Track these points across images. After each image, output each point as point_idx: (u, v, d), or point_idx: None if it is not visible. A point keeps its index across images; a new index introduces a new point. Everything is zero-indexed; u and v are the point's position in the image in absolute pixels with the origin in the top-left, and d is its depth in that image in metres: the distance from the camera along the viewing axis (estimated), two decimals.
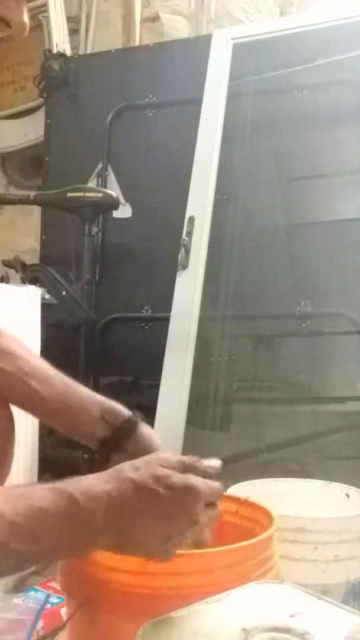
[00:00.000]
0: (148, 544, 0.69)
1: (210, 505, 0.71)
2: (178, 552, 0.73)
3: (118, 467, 0.70)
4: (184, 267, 2.04)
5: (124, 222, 2.57)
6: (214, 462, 0.75)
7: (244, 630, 0.64)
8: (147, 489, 0.67)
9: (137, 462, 0.70)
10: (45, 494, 0.64)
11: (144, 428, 0.90)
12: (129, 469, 0.69)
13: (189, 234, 2.07)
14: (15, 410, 0.90)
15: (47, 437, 1.76)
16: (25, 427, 1.54)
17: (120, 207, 2.49)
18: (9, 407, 0.88)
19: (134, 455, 0.81)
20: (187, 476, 0.70)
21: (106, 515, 0.65)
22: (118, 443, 0.88)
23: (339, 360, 2.21)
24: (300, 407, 2.17)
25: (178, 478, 0.69)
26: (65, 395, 0.89)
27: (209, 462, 0.74)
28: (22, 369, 0.87)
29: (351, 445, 2.04)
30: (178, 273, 2.05)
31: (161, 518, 0.67)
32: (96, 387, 2.41)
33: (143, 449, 0.87)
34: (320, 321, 2.20)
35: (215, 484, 0.72)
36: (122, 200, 2.53)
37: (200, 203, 2.11)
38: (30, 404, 0.88)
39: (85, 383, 2.63)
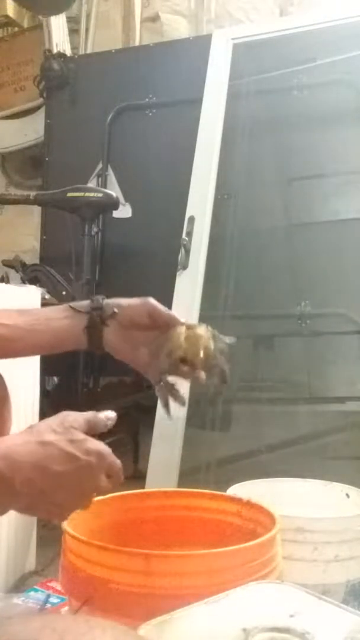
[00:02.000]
0: (60, 505, 0.71)
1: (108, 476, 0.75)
2: (179, 552, 0.73)
3: (36, 429, 0.72)
4: (184, 267, 2.04)
5: (124, 222, 2.57)
6: (110, 413, 0.78)
7: (244, 630, 0.64)
8: (66, 453, 0.69)
9: (52, 423, 0.72)
10: None
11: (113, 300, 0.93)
12: (47, 432, 0.71)
13: (189, 234, 2.07)
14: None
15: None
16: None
17: (120, 207, 2.49)
18: None
19: (126, 327, 0.87)
20: (100, 443, 0.73)
21: (24, 480, 0.67)
22: (103, 321, 0.89)
23: (339, 360, 2.21)
24: (300, 407, 2.17)
25: (93, 444, 0.72)
26: (27, 321, 0.88)
27: (106, 414, 0.77)
28: None
29: (351, 445, 2.04)
30: (178, 273, 2.05)
31: (75, 481, 0.70)
32: (96, 387, 2.43)
33: (130, 313, 0.90)
34: (320, 321, 2.20)
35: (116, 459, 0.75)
36: (122, 200, 2.53)
37: (200, 203, 2.11)
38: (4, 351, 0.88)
39: (85, 383, 2.63)
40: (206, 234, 2.07)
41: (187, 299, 2.02)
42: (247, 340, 2.29)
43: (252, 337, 2.28)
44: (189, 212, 2.10)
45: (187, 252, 2.05)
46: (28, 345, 0.89)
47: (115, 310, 0.90)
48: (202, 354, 0.86)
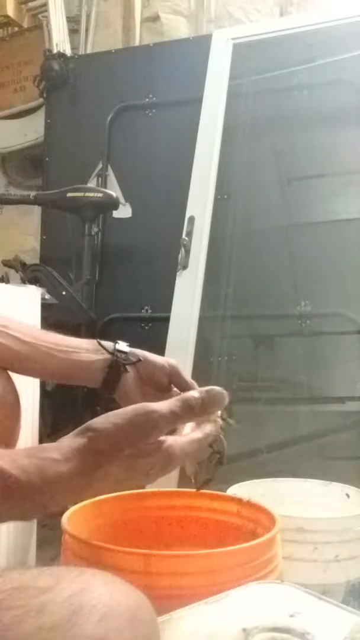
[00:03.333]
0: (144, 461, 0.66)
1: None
2: (179, 552, 0.73)
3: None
4: (184, 267, 2.04)
5: (124, 222, 2.57)
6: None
7: (244, 630, 0.64)
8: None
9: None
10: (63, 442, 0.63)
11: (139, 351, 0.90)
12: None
13: (189, 234, 2.07)
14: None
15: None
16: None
17: (120, 207, 2.49)
18: (10, 378, 0.86)
19: (142, 380, 0.83)
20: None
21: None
22: (125, 366, 0.87)
23: (339, 360, 2.21)
24: (300, 407, 2.17)
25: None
26: (48, 345, 0.86)
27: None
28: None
29: (351, 445, 2.04)
30: (178, 273, 2.05)
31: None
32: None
33: (152, 368, 0.87)
34: (320, 321, 2.20)
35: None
36: (122, 200, 2.53)
37: (200, 203, 2.11)
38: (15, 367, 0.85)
39: None
40: (206, 234, 2.07)
41: (187, 299, 2.02)
42: (247, 340, 2.29)
43: (252, 337, 2.28)
44: (189, 212, 2.10)
45: (187, 252, 2.05)
46: (42, 369, 0.86)
47: (141, 359, 0.88)
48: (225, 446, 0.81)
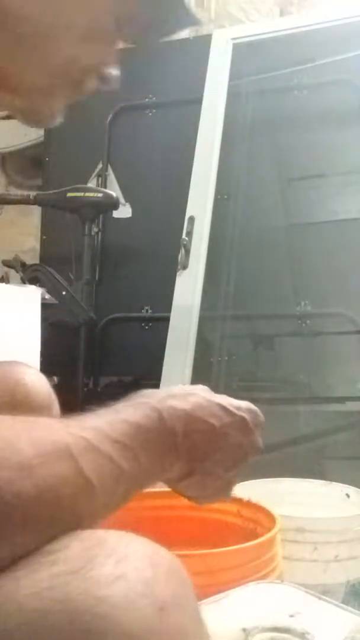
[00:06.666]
0: (218, 470, 0.62)
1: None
2: (179, 552, 0.73)
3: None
4: (184, 267, 2.04)
5: (124, 222, 2.57)
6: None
7: (244, 630, 0.64)
8: (217, 405, 0.61)
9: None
10: (132, 410, 0.56)
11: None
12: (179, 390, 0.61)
13: (189, 234, 2.07)
14: None
15: None
16: None
17: (120, 207, 2.49)
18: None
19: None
20: (245, 402, 0.65)
21: (186, 432, 0.58)
22: None
23: (339, 360, 2.21)
24: (300, 407, 2.17)
25: (240, 401, 0.64)
26: None
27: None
28: None
29: (351, 445, 2.04)
30: (178, 273, 2.05)
31: (231, 438, 0.62)
32: (96, 387, 2.43)
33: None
34: (320, 321, 2.20)
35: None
36: (122, 200, 2.53)
37: (200, 203, 2.11)
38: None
39: (86, 383, 2.62)
40: (206, 234, 2.07)
41: (187, 299, 2.02)
42: (247, 340, 2.29)
43: (252, 337, 2.28)
44: (189, 212, 2.10)
45: (187, 252, 2.05)
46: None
47: None
48: None
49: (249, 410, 0.64)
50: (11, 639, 0.37)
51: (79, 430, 0.50)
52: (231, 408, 0.62)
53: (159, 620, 0.39)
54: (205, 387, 0.65)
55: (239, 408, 0.63)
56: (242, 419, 0.62)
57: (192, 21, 0.68)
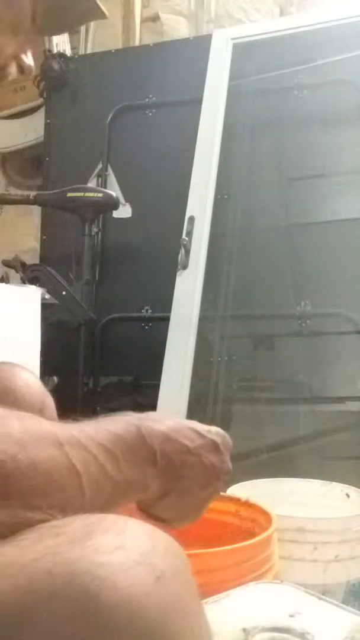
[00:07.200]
0: (193, 489, 0.64)
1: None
2: None
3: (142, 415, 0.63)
4: (184, 267, 2.04)
5: (124, 222, 2.57)
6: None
7: (244, 630, 0.64)
8: (190, 428, 0.63)
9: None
10: (112, 422, 0.57)
11: None
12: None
13: (189, 234, 2.07)
14: None
15: None
16: None
17: (120, 207, 2.49)
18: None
19: None
20: (214, 426, 0.67)
21: (162, 452, 0.59)
22: None
23: (339, 360, 2.21)
24: (300, 407, 2.17)
25: (210, 426, 0.67)
26: None
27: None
28: None
29: (351, 445, 2.04)
30: (178, 273, 2.05)
31: (204, 459, 0.64)
32: (96, 387, 2.43)
33: None
34: (320, 321, 2.20)
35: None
36: (122, 200, 2.53)
37: (200, 203, 2.11)
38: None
39: (85, 383, 2.62)
40: (206, 234, 2.07)
41: (187, 299, 2.02)
42: (247, 340, 2.29)
43: (252, 337, 2.28)
44: (189, 212, 2.10)
45: (187, 252, 2.05)
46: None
47: None
48: None
49: (219, 434, 0.67)
50: (12, 597, 0.39)
51: (66, 428, 0.53)
52: (202, 431, 0.65)
53: (155, 586, 0.41)
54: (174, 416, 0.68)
55: (209, 432, 0.66)
56: (213, 441, 0.65)
57: (99, 14, 0.79)
